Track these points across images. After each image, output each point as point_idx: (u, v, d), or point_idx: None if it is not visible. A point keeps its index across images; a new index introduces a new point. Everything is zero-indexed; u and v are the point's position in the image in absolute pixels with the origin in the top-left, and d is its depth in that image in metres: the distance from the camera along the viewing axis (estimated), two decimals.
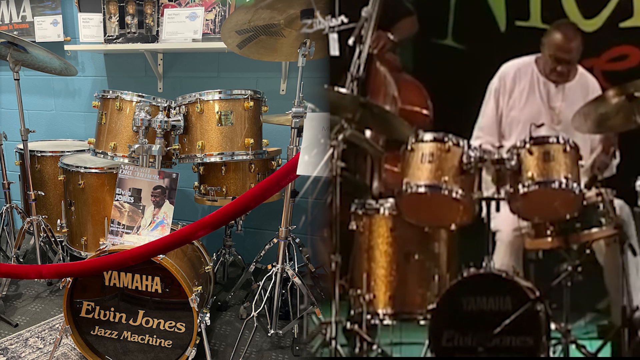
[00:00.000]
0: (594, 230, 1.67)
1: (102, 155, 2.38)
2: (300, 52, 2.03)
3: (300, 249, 2.62)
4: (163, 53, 3.32)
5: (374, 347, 1.62)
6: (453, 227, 1.71)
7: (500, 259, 1.78)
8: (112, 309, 2.02)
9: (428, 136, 1.67)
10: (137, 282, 1.99)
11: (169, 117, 2.26)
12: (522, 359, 1.52)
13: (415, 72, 2.12)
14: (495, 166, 1.66)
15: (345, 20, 1.73)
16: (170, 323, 2.00)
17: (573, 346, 1.60)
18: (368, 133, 1.80)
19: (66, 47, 3.40)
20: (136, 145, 2.18)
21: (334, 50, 1.83)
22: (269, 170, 2.64)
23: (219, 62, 3.24)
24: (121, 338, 2.03)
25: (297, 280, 2.17)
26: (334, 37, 1.77)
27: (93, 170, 2.60)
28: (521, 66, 1.99)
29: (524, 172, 1.63)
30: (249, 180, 2.54)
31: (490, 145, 1.98)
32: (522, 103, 1.97)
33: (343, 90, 1.65)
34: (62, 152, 2.97)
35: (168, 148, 2.34)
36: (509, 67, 2.00)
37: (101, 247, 2.00)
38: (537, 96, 1.97)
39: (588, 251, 1.67)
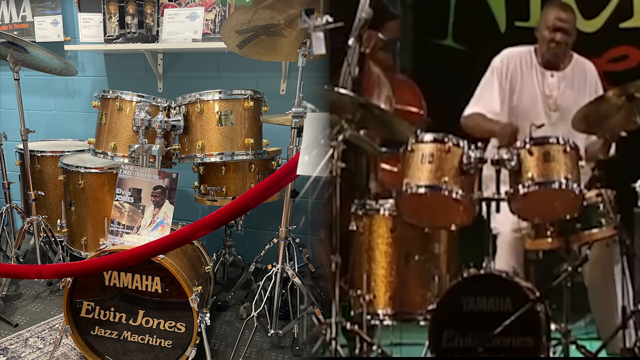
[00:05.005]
0: (594, 230, 1.67)
1: (102, 155, 2.38)
2: (300, 52, 2.03)
3: (300, 249, 2.62)
4: (163, 53, 3.32)
5: (374, 347, 1.62)
6: (453, 227, 1.70)
7: (502, 260, 1.78)
8: (112, 309, 2.02)
9: (428, 137, 1.67)
10: (137, 282, 1.99)
11: (169, 117, 2.26)
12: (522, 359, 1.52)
13: (415, 72, 2.12)
14: (495, 166, 1.66)
15: (331, 19, 1.72)
16: (170, 323, 2.00)
17: (573, 346, 1.60)
18: (361, 132, 1.79)
19: (66, 47, 3.40)
20: (136, 145, 2.18)
21: (320, 50, 1.83)
22: (269, 170, 2.64)
23: (219, 62, 3.24)
24: (121, 338, 2.03)
25: (297, 280, 2.17)
26: (318, 37, 1.77)
27: (93, 170, 2.60)
28: (521, 53, 2.00)
29: (524, 172, 1.62)
30: (249, 180, 2.54)
31: (488, 111, 1.97)
32: (521, 91, 1.97)
33: (343, 90, 1.65)
34: (62, 152, 2.97)
35: (168, 148, 2.34)
36: (510, 52, 2.01)
37: (101, 247, 2.00)
38: (534, 85, 1.97)
39: (588, 252, 1.67)
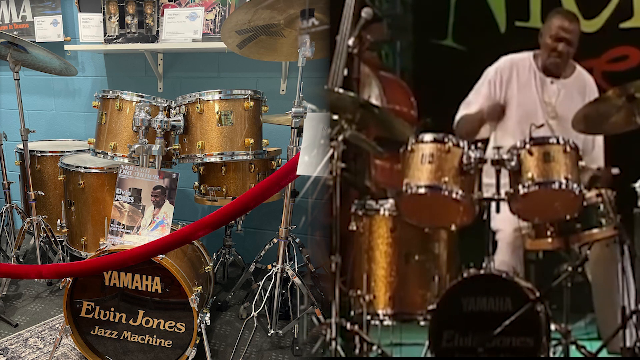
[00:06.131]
0: (594, 230, 1.67)
1: (102, 155, 2.38)
2: (300, 52, 2.03)
3: (300, 249, 2.62)
4: (163, 53, 3.32)
5: (374, 347, 1.62)
6: (453, 227, 1.71)
7: (501, 259, 1.78)
8: (112, 309, 2.02)
9: (428, 137, 1.67)
10: (137, 282, 1.99)
11: (169, 117, 2.26)
12: None
13: (415, 73, 2.12)
14: (495, 167, 1.66)
15: (317, 22, 1.72)
16: (170, 323, 2.00)
17: (573, 347, 1.60)
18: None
19: (66, 47, 3.40)
20: (136, 145, 2.18)
21: (307, 53, 1.84)
22: (269, 170, 2.64)
23: (219, 62, 3.24)
24: (121, 338, 2.03)
25: (297, 280, 2.17)
26: (304, 39, 1.77)
27: (93, 170, 2.60)
28: (518, 60, 2.00)
29: (524, 172, 1.62)
30: (249, 180, 2.54)
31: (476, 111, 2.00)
32: (518, 97, 1.97)
33: (342, 90, 1.65)
34: (62, 152, 2.97)
35: (168, 148, 2.34)
36: (506, 60, 2.01)
37: (101, 247, 2.00)
38: (532, 91, 1.97)
39: (588, 252, 1.67)
